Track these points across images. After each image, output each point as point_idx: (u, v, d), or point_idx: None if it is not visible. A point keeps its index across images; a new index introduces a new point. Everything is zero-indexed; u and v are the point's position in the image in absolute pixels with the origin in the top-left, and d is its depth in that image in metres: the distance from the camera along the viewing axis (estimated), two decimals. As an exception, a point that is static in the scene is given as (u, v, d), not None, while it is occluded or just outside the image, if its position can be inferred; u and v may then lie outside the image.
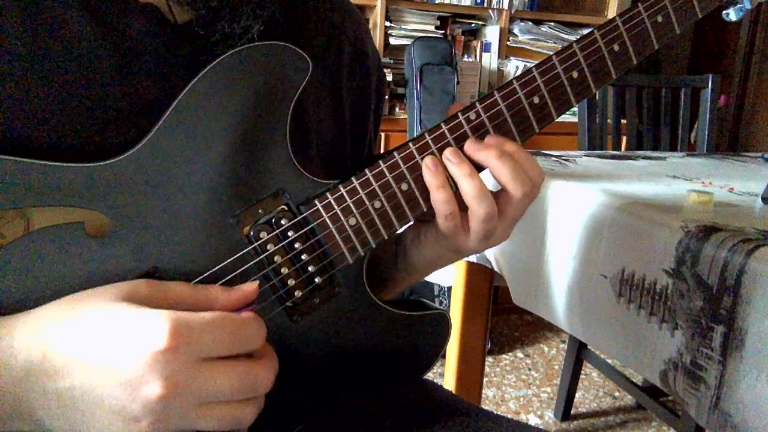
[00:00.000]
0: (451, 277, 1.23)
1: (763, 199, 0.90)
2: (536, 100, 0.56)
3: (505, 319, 2.48)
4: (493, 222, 0.54)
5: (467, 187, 0.52)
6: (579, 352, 1.76)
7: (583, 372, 1.97)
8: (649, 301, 0.77)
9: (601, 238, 0.86)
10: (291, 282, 0.51)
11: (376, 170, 0.53)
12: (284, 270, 0.51)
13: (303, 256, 0.51)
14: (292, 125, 0.51)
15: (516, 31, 2.46)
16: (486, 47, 2.44)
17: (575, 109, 1.80)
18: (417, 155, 0.54)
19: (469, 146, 0.54)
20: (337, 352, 0.56)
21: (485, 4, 2.37)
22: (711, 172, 1.17)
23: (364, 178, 0.52)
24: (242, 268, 0.49)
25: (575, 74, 0.57)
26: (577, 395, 1.89)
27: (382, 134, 2.18)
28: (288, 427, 0.55)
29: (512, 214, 0.55)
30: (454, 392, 0.93)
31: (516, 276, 1.04)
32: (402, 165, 0.53)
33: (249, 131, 0.49)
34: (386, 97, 1.76)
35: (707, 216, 0.79)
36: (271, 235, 0.50)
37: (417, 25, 2.30)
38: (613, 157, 1.31)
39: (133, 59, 0.48)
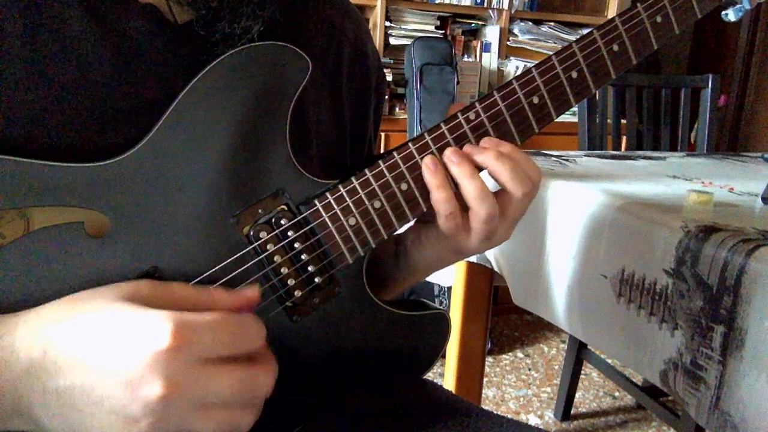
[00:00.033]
0: (451, 277, 1.23)
1: (763, 199, 0.90)
2: (536, 100, 0.56)
3: (505, 319, 2.48)
4: (495, 222, 0.54)
5: (469, 188, 0.53)
6: (579, 352, 1.76)
7: (583, 372, 1.97)
8: (649, 301, 0.77)
9: (601, 238, 0.86)
10: (291, 282, 0.51)
11: (376, 170, 0.53)
12: (284, 270, 0.51)
13: (303, 256, 0.51)
14: (292, 125, 0.51)
15: (516, 31, 2.46)
16: (486, 47, 2.44)
17: (575, 109, 1.80)
18: (417, 155, 0.54)
19: (467, 149, 0.54)
20: (337, 352, 0.56)
21: (485, 4, 2.37)
22: (711, 172, 1.17)
23: (363, 178, 0.52)
24: (242, 268, 0.49)
25: (575, 74, 0.57)
26: (577, 395, 1.89)
27: (382, 134, 2.18)
28: (288, 427, 0.55)
29: (513, 214, 0.55)
30: (454, 392, 0.93)
31: (516, 276, 1.04)
32: (401, 165, 0.53)
33: (249, 131, 0.49)
34: (386, 97, 1.76)
35: (707, 216, 0.79)
36: (271, 235, 0.50)
37: (417, 25, 2.30)
38: (613, 157, 1.31)
39: (133, 59, 0.48)
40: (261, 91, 0.49)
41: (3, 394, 0.38)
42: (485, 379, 1.63)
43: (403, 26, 2.29)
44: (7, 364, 0.38)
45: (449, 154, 0.53)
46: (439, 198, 0.53)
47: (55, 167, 0.43)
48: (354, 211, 0.52)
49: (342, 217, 0.52)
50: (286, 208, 0.51)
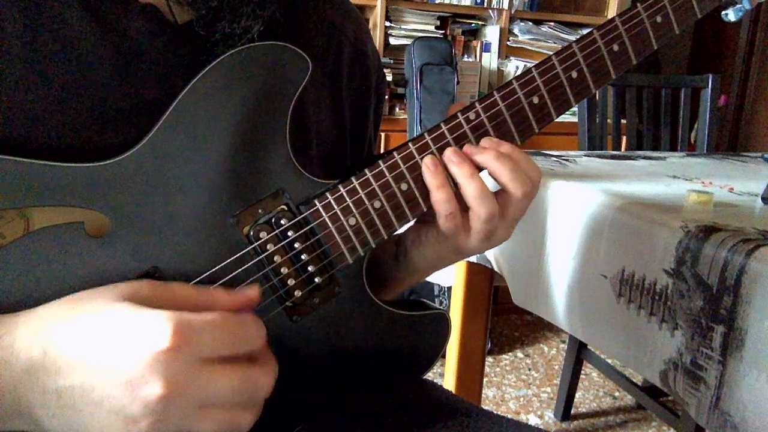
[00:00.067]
0: (451, 277, 1.23)
1: (763, 199, 0.90)
2: (536, 100, 0.56)
3: (505, 319, 2.47)
4: (495, 222, 0.54)
5: (469, 188, 0.53)
6: (579, 352, 1.76)
7: (583, 372, 1.97)
8: (649, 301, 0.77)
9: (601, 238, 0.86)
10: (291, 282, 0.51)
11: (376, 170, 0.53)
12: (284, 270, 0.51)
13: (303, 256, 0.51)
14: (292, 125, 0.51)
15: (516, 31, 2.46)
16: (486, 47, 2.44)
17: (575, 109, 1.80)
18: (416, 155, 0.54)
19: (467, 149, 0.54)
20: (337, 352, 0.56)
21: (485, 4, 2.37)
22: (711, 172, 1.17)
23: (363, 178, 0.52)
24: (242, 268, 0.49)
25: (574, 74, 0.57)
26: (577, 395, 1.89)
27: (382, 134, 2.18)
28: (288, 427, 0.55)
29: (513, 214, 0.56)
30: (454, 392, 0.93)
31: (516, 276, 1.04)
32: (401, 165, 0.53)
33: (249, 131, 0.49)
34: (386, 97, 1.76)
35: (707, 216, 0.79)
36: (271, 234, 0.50)
37: (417, 25, 2.30)
38: (613, 157, 1.31)
39: (133, 59, 0.48)
40: (261, 91, 0.49)
41: (3, 394, 0.38)
42: (485, 379, 1.63)
43: (403, 26, 2.29)
44: (7, 364, 0.38)
45: (449, 155, 0.53)
46: (439, 198, 0.53)
47: (55, 167, 0.43)
48: (354, 211, 0.52)
49: (342, 217, 0.52)
50: (286, 208, 0.51)
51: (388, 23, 2.26)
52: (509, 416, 0.67)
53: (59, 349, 0.38)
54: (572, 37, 2.48)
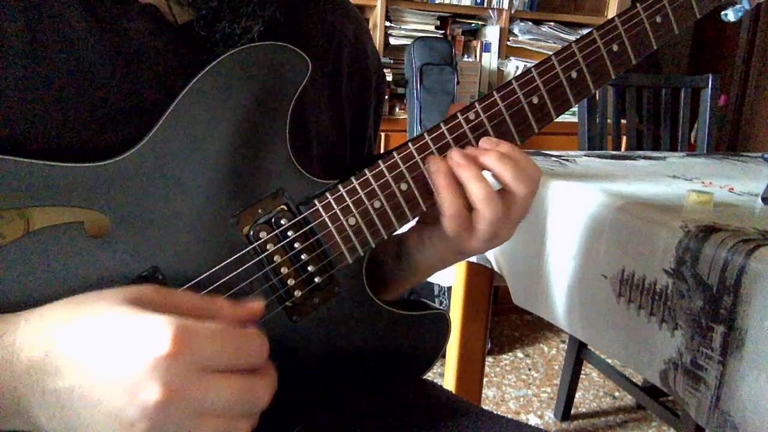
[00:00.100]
0: (451, 277, 1.23)
1: (763, 199, 0.91)
2: (535, 100, 0.56)
3: (505, 319, 2.47)
4: (500, 223, 0.54)
5: (476, 190, 0.53)
6: (579, 352, 1.76)
7: (583, 372, 1.97)
8: (649, 301, 0.77)
9: (601, 238, 0.86)
10: (290, 282, 0.51)
11: (376, 170, 0.53)
12: (284, 270, 0.51)
13: (302, 256, 0.51)
14: (292, 125, 0.51)
15: (516, 31, 2.46)
16: (486, 47, 2.44)
17: (575, 109, 1.80)
18: (416, 155, 0.54)
19: (469, 150, 0.54)
20: (337, 352, 0.56)
21: (485, 4, 2.37)
22: (711, 172, 1.17)
23: (363, 178, 0.52)
24: (242, 268, 0.49)
25: (574, 74, 0.57)
26: (577, 395, 1.89)
27: (382, 134, 2.18)
28: (288, 427, 0.55)
29: (517, 214, 0.56)
30: (454, 392, 0.93)
31: (516, 276, 1.04)
32: (401, 165, 0.53)
33: (249, 131, 0.49)
34: (386, 97, 1.76)
35: (707, 216, 0.79)
36: (271, 234, 0.50)
37: (417, 25, 2.30)
38: (613, 157, 1.31)
39: (134, 59, 0.48)
40: (261, 91, 0.49)
41: (2, 393, 0.38)
42: (485, 379, 1.63)
43: (403, 26, 2.29)
44: (7, 364, 0.38)
45: (455, 156, 0.53)
46: (445, 199, 0.53)
47: (55, 167, 0.43)
48: (354, 211, 0.52)
49: (342, 217, 0.52)
50: (285, 208, 0.51)
51: (388, 23, 2.26)
52: (509, 416, 0.67)
53: (60, 351, 0.38)
54: (572, 37, 2.48)
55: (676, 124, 1.72)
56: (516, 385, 2.03)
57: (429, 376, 0.68)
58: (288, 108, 0.50)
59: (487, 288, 1.21)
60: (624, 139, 1.75)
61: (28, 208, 0.42)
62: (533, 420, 1.85)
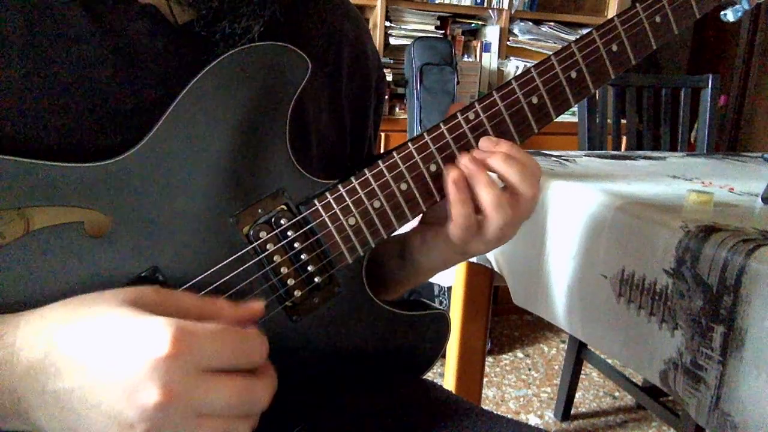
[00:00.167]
0: (451, 277, 1.23)
1: (763, 199, 0.91)
2: (535, 100, 0.56)
3: (505, 319, 2.47)
4: (509, 228, 0.54)
5: (487, 197, 0.53)
6: (579, 352, 1.76)
7: (583, 372, 1.97)
8: (649, 301, 0.77)
9: (601, 238, 0.86)
10: (290, 281, 0.51)
11: (376, 170, 0.53)
12: (283, 269, 0.51)
13: (302, 256, 0.51)
14: (292, 125, 0.51)
15: (516, 31, 2.46)
16: (486, 47, 2.44)
17: (575, 109, 1.80)
18: (416, 155, 0.54)
19: (475, 154, 0.54)
20: (337, 352, 0.56)
21: (485, 4, 2.37)
22: (711, 172, 1.17)
23: (363, 178, 0.53)
24: (242, 268, 0.49)
25: (574, 74, 0.57)
26: (577, 395, 1.89)
27: (382, 134, 2.18)
28: (288, 427, 0.55)
29: (521, 214, 0.56)
30: (454, 392, 0.93)
31: (516, 276, 1.04)
32: (401, 165, 0.53)
33: (249, 131, 0.49)
34: (386, 97, 1.76)
35: (707, 216, 0.79)
36: (271, 234, 0.50)
37: (417, 25, 2.30)
38: (613, 157, 1.31)
39: (134, 59, 0.48)
40: (261, 91, 0.49)
41: (2, 393, 0.38)
42: (485, 379, 1.63)
43: (403, 26, 2.29)
44: (8, 364, 0.38)
45: (466, 163, 0.53)
46: (462, 213, 0.53)
47: (55, 167, 0.43)
48: (353, 210, 0.52)
49: (341, 217, 0.52)
50: (285, 208, 0.51)
51: (388, 23, 2.26)
52: (509, 416, 0.67)
53: (60, 352, 0.38)
54: (572, 37, 2.47)
55: (676, 124, 1.72)
56: (516, 385, 2.03)
57: (429, 376, 0.68)
58: (288, 108, 0.50)
59: (487, 288, 1.21)
60: (624, 139, 1.75)
61: (28, 208, 0.42)
62: (533, 420, 1.85)
